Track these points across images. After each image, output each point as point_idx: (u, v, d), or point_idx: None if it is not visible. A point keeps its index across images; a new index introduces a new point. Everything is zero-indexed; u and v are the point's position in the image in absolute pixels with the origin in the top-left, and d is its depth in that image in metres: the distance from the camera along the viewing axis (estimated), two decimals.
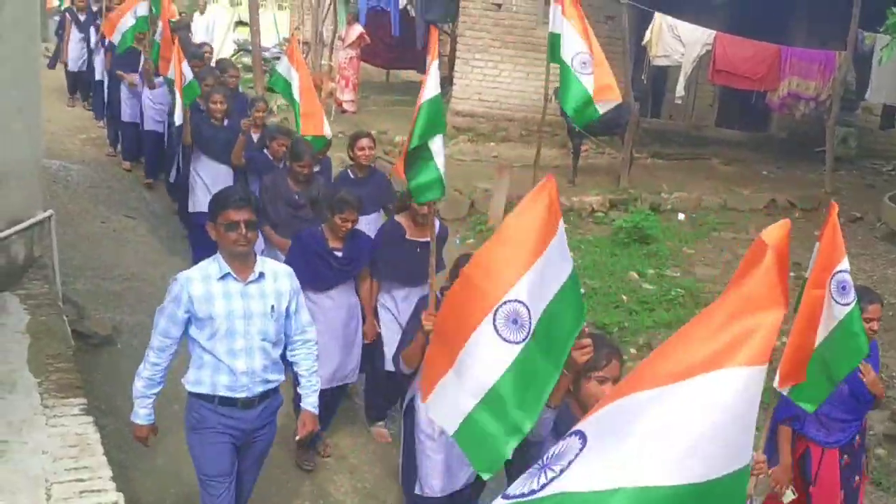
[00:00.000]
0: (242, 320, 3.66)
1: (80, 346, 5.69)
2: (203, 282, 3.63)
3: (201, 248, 6.89)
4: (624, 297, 8.36)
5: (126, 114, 10.27)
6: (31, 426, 4.02)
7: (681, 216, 10.62)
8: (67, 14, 13.07)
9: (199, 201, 7.48)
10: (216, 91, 7.88)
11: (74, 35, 12.59)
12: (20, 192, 5.66)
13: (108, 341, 6.22)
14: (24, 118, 5.58)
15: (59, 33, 13.03)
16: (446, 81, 18.77)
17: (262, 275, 3.72)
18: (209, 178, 7.60)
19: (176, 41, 8.26)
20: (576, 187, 11.38)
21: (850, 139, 13.42)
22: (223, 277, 3.64)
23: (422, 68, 19.73)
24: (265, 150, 7.32)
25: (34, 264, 5.92)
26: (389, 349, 5.22)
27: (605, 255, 9.47)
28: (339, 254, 5.16)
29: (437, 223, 4.95)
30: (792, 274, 8.59)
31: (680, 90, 11.34)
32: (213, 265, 3.69)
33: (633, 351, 7.47)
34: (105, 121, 11.66)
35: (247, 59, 18.83)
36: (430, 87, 4.22)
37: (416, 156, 4.09)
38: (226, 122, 7.77)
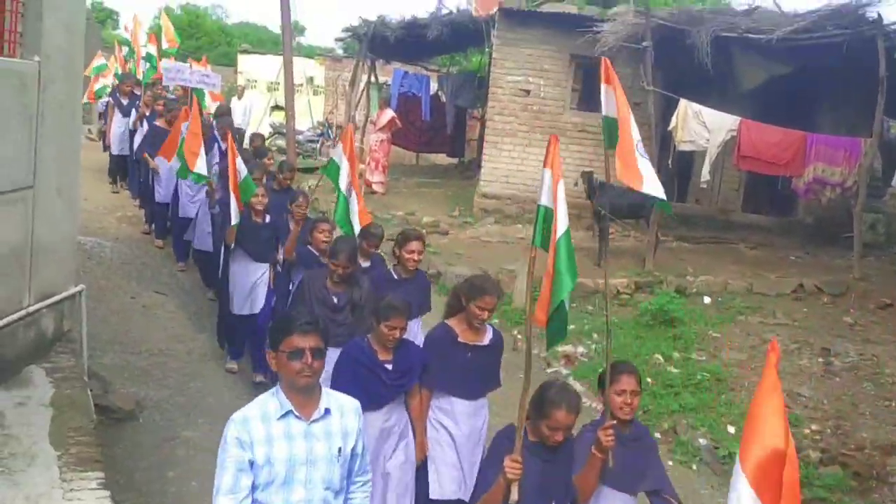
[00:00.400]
0: (305, 466, 3.12)
1: (102, 420, 5.76)
2: (263, 421, 3.09)
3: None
4: (649, 380, 8.28)
5: (159, 194, 10.55)
6: (49, 499, 4.06)
7: (707, 299, 10.56)
8: (111, 99, 13.61)
9: (239, 304, 7.52)
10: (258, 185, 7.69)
11: (117, 119, 13.05)
12: (54, 268, 5.81)
13: (131, 416, 6.28)
14: (63, 198, 5.78)
15: (104, 117, 13.61)
16: (474, 164, 19.18)
17: (327, 411, 3.19)
18: (246, 278, 7.47)
19: (229, 138, 8.40)
20: (602, 269, 11.38)
21: (878, 225, 13.37)
22: (284, 416, 3.11)
23: (451, 152, 20.18)
24: (308, 246, 6.80)
25: (63, 338, 6.03)
26: (439, 475, 4.76)
27: (630, 338, 9.42)
28: (390, 366, 4.59)
29: (489, 330, 4.89)
30: (820, 359, 8.57)
31: (705, 175, 11.42)
32: (272, 401, 3.15)
33: (657, 435, 7.37)
34: (139, 200, 12.01)
35: (281, 142, 19.34)
36: (561, 219, 3.99)
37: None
38: (267, 219, 7.58)
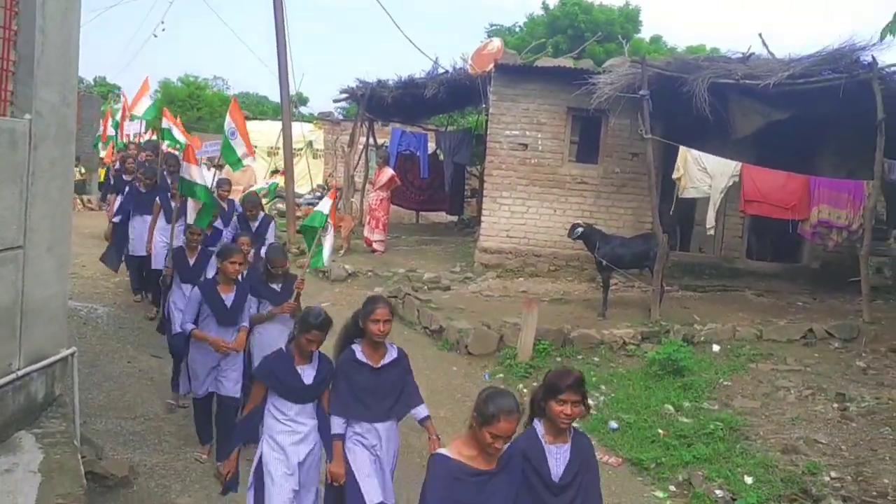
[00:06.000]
0: None
1: (94, 486, 5.54)
2: None
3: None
4: (660, 432, 8.04)
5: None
6: None
7: (715, 347, 10.35)
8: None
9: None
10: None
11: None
12: (45, 330, 5.65)
13: (124, 483, 6.07)
14: (54, 256, 5.64)
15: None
16: (474, 221, 19.14)
17: None
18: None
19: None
20: (606, 321, 11.22)
21: (884, 269, 13.23)
22: None
23: (450, 210, 20.18)
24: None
25: (54, 402, 5.83)
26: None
27: (638, 389, 9.20)
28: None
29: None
30: (835, 405, 8.34)
31: (710, 221, 11.31)
32: None
33: (672, 488, 7.12)
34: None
35: (282, 206, 19.36)
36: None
37: None
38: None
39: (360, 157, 18.66)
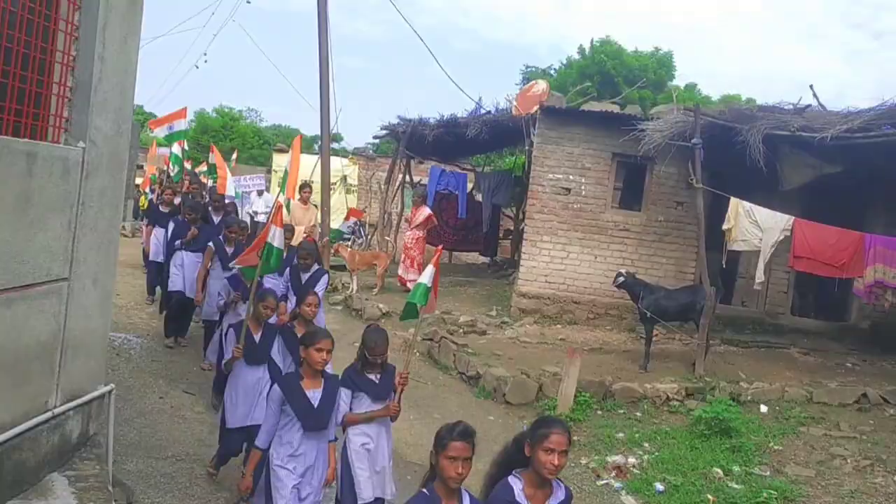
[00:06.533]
0: None
1: None
2: None
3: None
4: (710, 497, 7.66)
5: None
6: None
7: (763, 408, 9.96)
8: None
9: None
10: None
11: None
12: (84, 365, 5.43)
13: None
14: (98, 290, 5.44)
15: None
16: (507, 264, 18.87)
17: None
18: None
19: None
20: (648, 374, 10.87)
21: None
22: None
23: (484, 251, 19.93)
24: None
25: (88, 442, 5.59)
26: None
27: (684, 449, 8.82)
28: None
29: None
30: (878, 480, 7.89)
31: (760, 276, 10.96)
32: None
33: None
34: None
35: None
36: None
37: None
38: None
39: (396, 194, 18.50)
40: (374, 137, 20.07)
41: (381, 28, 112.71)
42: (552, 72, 39.88)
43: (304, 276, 8.92)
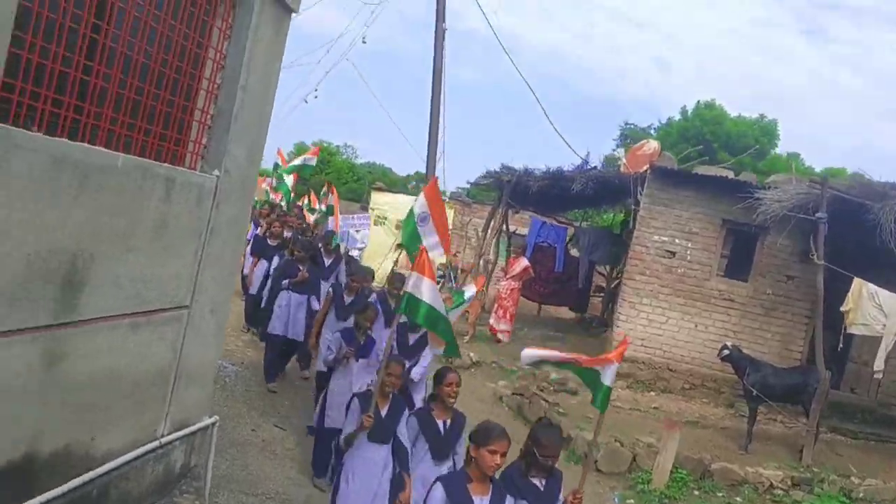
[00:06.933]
0: None
1: None
2: None
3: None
4: None
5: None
6: None
7: None
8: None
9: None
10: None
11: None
12: (193, 395, 5.35)
13: None
14: (215, 319, 5.38)
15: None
16: (598, 321, 18.41)
17: None
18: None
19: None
20: (749, 455, 10.28)
21: None
22: None
23: (574, 306, 19.53)
24: None
25: (188, 474, 5.49)
26: None
27: None
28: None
29: None
30: None
31: (879, 364, 10.28)
32: None
33: None
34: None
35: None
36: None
37: None
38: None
39: (493, 241, 18.33)
40: (471, 183, 19.89)
41: (472, 73, 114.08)
42: (651, 131, 39.43)
43: (413, 337, 7.96)
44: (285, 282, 10.12)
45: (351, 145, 53.88)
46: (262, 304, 11.02)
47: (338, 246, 12.56)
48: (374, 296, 9.19)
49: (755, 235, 12.86)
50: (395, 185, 37.39)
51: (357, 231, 19.02)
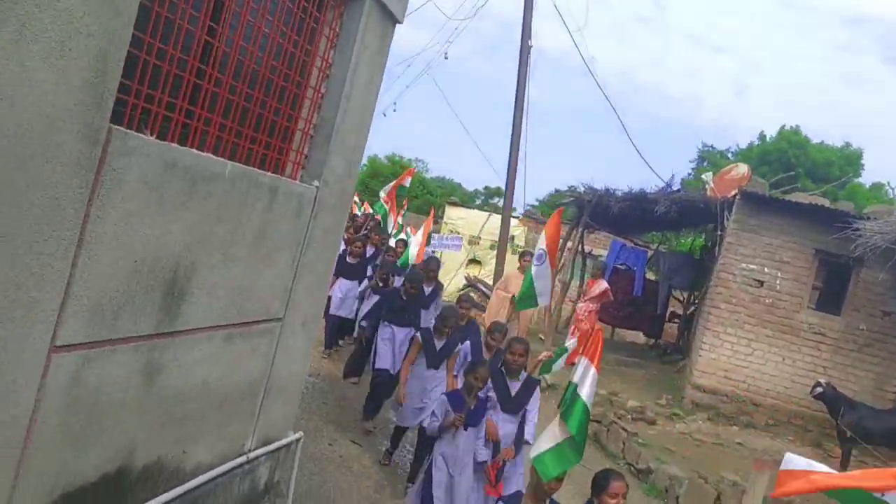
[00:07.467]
0: None
1: None
2: None
3: None
4: None
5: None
6: None
7: None
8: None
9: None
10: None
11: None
12: (281, 409, 5.22)
13: None
14: (306, 332, 5.25)
15: None
16: (674, 349, 17.89)
17: None
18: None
19: None
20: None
21: None
22: None
23: (648, 331, 19.04)
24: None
25: (272, 490, 5.35)
26: None
27: None
28: None
29: None
30: None
31: None
32: None
33: None
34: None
35: (472, 295, 18.93)
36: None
37: None
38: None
39: (572, 263, 18.01)
40: (560, 204, 19.58)
41: (539, 92, 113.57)
42: (729, 155, 38.57)
43: (514, 387, 6.61)
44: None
45: (421, 160, 53.83)
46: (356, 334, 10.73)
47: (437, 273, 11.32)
48: (466, 343, 7.99)
49: (850, 267, 12.30)
50: (465, 200, 37.24)
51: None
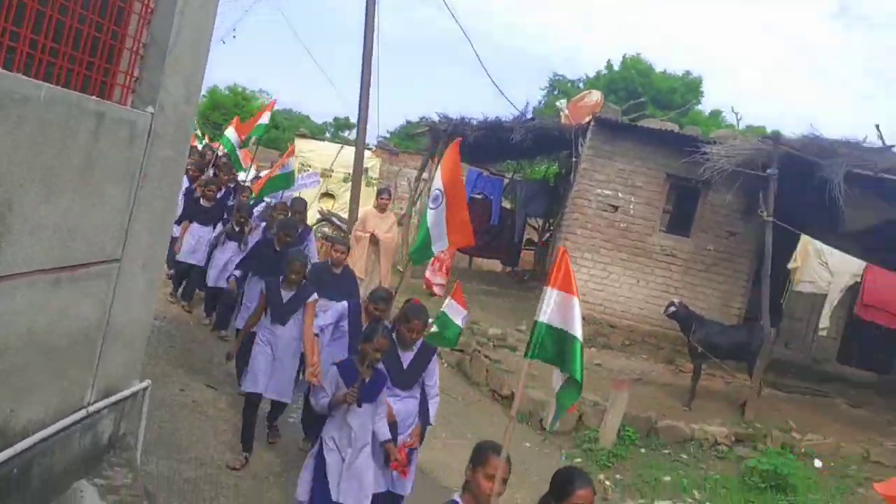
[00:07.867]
0: None
1: None
2: None
3: None
4: None
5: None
6: None
7: (817, 462, 9.32)
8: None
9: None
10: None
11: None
12: (123, 358, 4.78)
13: None
14: (147, 275, 4.80)
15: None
16: (531, 275, 18.19)
17: None
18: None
19: None
20: (692, 412, 10.22)
21: None
22: None
23: (505, 259, 19.25)
24: None
25: (118, 444, 4.94)
26: None
27: (738, 501, 8.19)
28: None
29: None
30: None
31: (825, 322, 10.27)
32: None
33: None
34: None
35: (327, 229, 18.56)
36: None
37: None
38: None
39: (421, 193, 17.83)
40: (415, 135, 19.26)
41: (394, 23, 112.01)
42: (580, 84, 39.26)
43: (407, 358, 5.87)
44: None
45: (266, 91, 51.49)
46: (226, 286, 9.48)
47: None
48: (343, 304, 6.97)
49: (698, 191, 12.74)
50: (315, 132, 36.26)
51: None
